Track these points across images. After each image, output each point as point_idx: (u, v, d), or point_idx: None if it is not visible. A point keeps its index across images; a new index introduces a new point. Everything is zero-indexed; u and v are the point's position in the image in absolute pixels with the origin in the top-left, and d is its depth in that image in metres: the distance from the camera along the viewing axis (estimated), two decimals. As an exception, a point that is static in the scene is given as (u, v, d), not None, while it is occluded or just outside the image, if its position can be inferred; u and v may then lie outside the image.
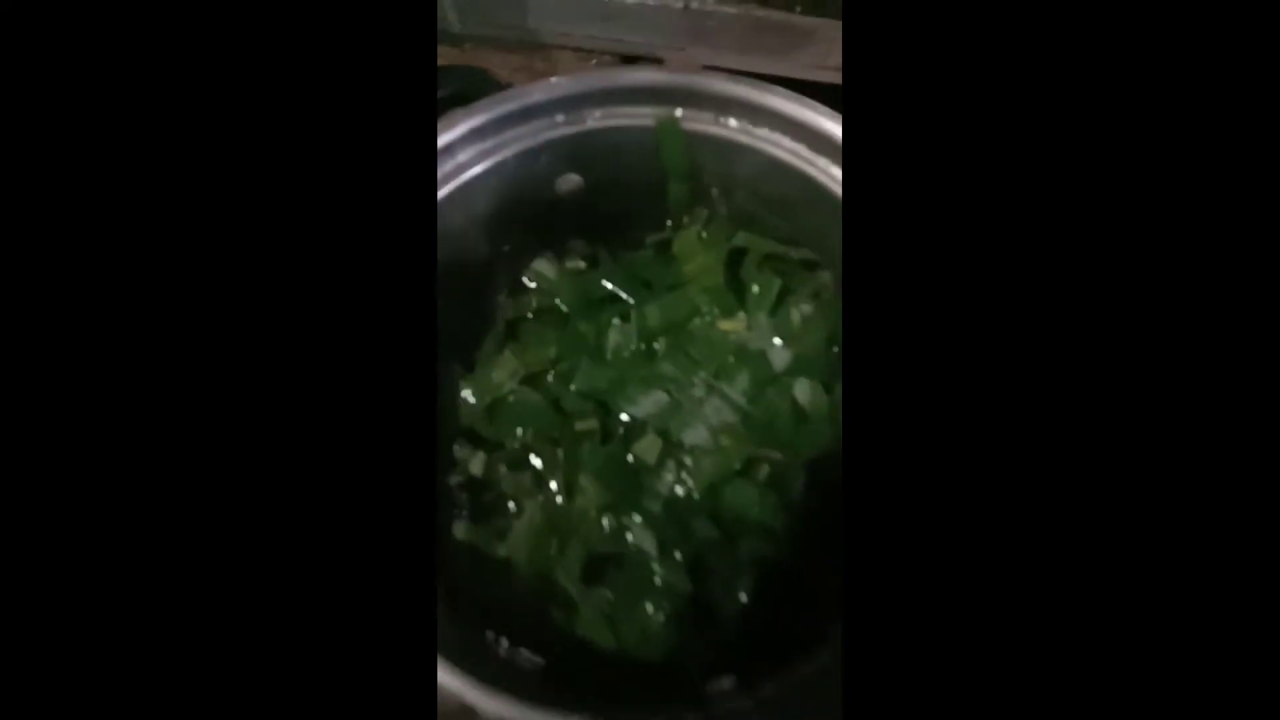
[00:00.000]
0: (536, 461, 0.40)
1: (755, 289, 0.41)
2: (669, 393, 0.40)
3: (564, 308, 0.43)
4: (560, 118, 0.38)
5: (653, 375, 0.41)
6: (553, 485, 0.39)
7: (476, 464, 0.39)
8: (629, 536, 0.38)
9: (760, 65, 0.49)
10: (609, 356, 0.42)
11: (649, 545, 0.37)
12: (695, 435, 0.39)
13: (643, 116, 0.38)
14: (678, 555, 0.37)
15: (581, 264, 0.44)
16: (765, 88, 0.36)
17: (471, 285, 0.42)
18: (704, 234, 0.43)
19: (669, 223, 0.44)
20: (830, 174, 0.37)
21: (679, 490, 0.39)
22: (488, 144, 0.38)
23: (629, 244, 0.44)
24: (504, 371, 0.41)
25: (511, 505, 0.39)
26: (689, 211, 0.43)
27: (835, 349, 0.41)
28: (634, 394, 0.40)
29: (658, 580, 0.37)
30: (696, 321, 0.42)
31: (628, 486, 0.38)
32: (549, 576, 0.37)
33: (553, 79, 0.37)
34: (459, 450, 0.40)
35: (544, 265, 0.44)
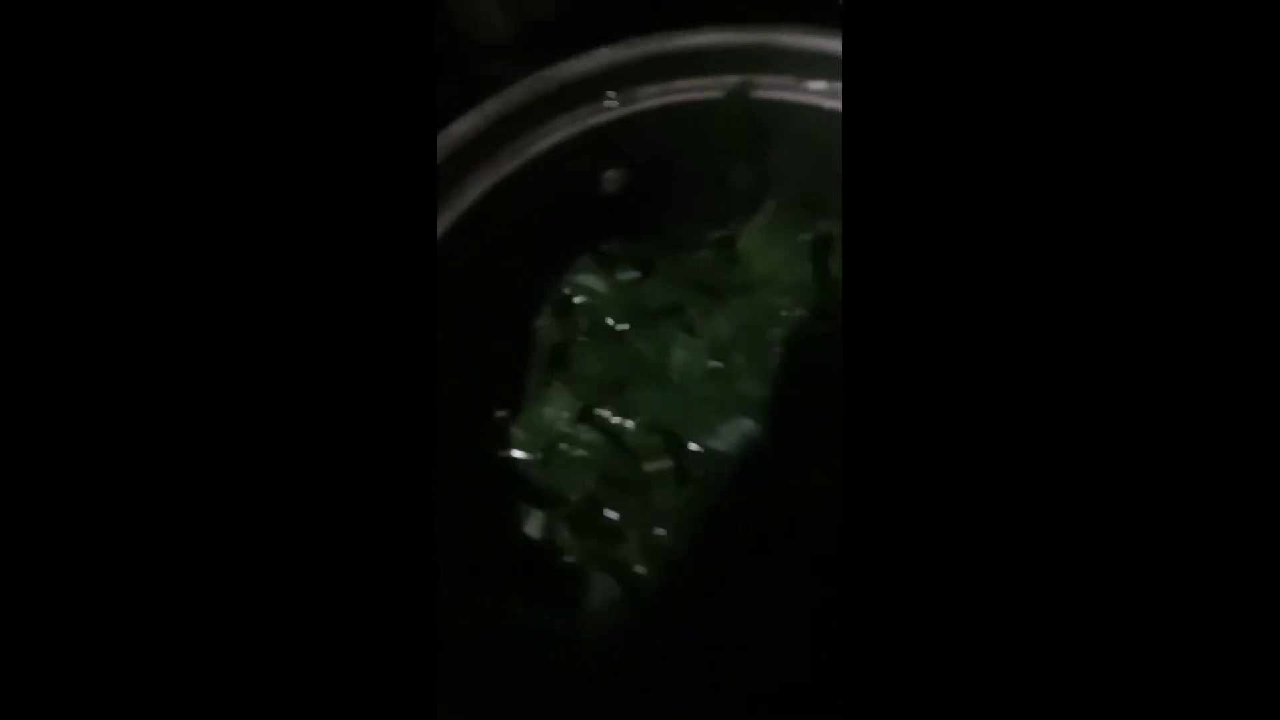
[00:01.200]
0: (609, 516, 0.33)
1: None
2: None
3: (616, 325, 0.36)
4: (609, 99, 0.31)
5: (732, 397, 0.34)
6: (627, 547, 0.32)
7: (534, 525, 0.33)
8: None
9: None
10: (675, 379, 0.35)
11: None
12: (795, 467, 0.32)
13: (707, 89, 0.32)
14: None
15: (633, 272, 0.37)
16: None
17: (508, 310, 0.35)
18: (774, 226, 0.37)
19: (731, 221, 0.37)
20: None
21: (781, 538, 0.32)
22: (519, 139, 0.31)
23: (686, 245, 0.38)
24: (555, 407, 0.35)
25: (581, 574, 0.32)
26: (757, 201, 0.37)
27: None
28: (711, 422, 0.34)
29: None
30: (779, 329, 0.35)
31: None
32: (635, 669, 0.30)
33: (599, 49, 0.30)
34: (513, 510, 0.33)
35: (589, 277, 0.37)
